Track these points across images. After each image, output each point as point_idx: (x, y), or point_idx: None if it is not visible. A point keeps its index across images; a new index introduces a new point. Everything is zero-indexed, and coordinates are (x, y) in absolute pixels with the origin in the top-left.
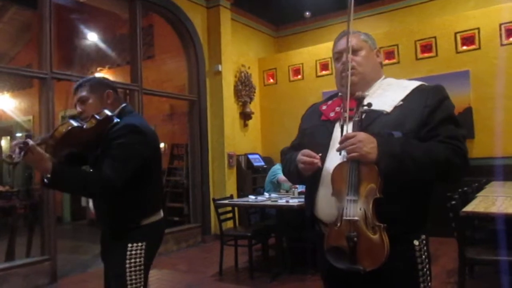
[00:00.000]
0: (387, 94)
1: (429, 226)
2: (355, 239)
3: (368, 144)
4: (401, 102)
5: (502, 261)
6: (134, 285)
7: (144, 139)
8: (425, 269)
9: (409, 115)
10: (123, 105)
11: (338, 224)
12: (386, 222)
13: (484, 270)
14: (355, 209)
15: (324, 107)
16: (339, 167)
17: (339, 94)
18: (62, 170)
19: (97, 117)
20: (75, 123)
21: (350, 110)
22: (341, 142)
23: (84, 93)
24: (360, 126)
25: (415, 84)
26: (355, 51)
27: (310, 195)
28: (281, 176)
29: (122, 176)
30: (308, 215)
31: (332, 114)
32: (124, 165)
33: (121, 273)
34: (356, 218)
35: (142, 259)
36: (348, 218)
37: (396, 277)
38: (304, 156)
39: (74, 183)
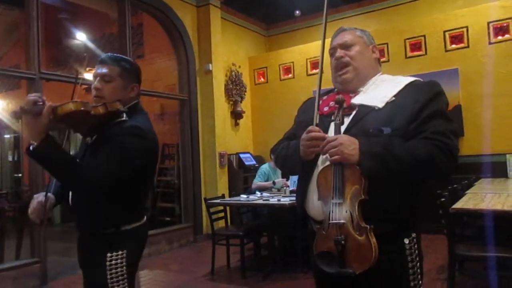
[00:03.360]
0: (380, 89)
1: (420, 224)
2: (343, 242)
3: (349, 146)
4: (393, 98)
5: (490, 257)
6: None
7: (144, 146)
8: (415, 267)
9: (400, 111)
10: (136, 101)
11: (326, 228)
12: (374, 221)
13: (473, 266)
14: (341, 212)
15: (319, 102)
16: (323, 171)
17: (335, 89)
18: (55, 145)
19: (109, 108)
20: (83, 107)
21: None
22: (323, 147)
23: (111, 72)
24: (340, 129)
25: (409, 80)
26: (349, 46)
27: (302, 191)
28: (254, 183)
29: (109, 181)
30: (299, 212)
31: (326, 109)
32: (115, 168)
33: (101, 283)
34: (342, 221)
35: (124, 268)
36: (334, 221)
37: (386, 275)
38: (314, 131)
39: (59, 164)
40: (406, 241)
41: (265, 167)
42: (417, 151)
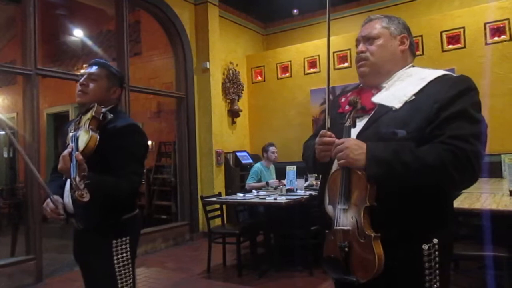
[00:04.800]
0: (402, 86)
1: (449, 230)
2: (346, 249)
3: (355, 150)
4: (413, 97)
5: (486, 257)
6: (124, 281)
7: (143, 141)
8: (433, 275)
9: (418, 112)
10: (115, 104)
11: (333, 233)
12: (385, 226)
13: (468, 265)
14: (347, 218)
15: (342, 99)
16: (333, 175)
17: (360, 85)
18: (96, 181)
19: (97, 117)
20: (97, 136)
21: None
22: (332, 150)
23: (100, 73)
24: (350, 132)
25: (436, 74)
26: (371, 39)
27: (321, 192)
28: (248, 185)
29: (140, 182)
30: (320, 213)
31: (347, 107)
32: (139, 166)
33: (109, 271)
34: (347, 227)
35: (128, 253)
36: (339, 227)
37: (399, 281)
38: (325, 136)
39: (107, 193)
40: (425, 247)
41: (257, 166)
42: (427, 156)
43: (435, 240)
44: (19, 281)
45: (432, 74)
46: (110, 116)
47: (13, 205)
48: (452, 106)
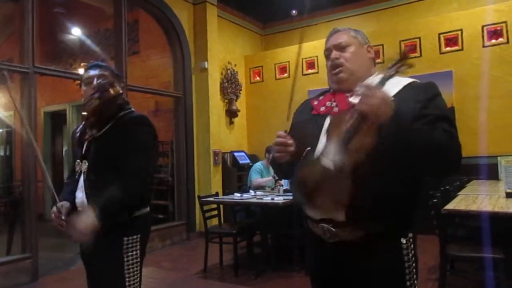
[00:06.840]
0: None
1: (415, 225)
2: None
3: (387, 105)
4: (393, 98)
5: (482, 258)
6: (132, 279)
7: (154, 134)
8: (411, 267)
9: (403, 110)
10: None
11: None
12: (374, 220)
13: (464, 266)
14: (334, 158)
15: (315, 102)
16: (339, 116)
17: (331, 90)
18: (104, 212)
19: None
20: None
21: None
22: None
23: (104, 72)
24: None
25: (407, 80)
26: (343, 48)
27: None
28: (255, 181)
29: (147, 178)
30: (296, 210)
31: (322, 109)
32: (148, 161)
33: (118, 269)
34: (331, 167)
35: (138, 252)
36: (323, 163)
37: (383, 275)
38: (280, 137)
39: (113, 210)
40: (403, 240)
41: (258, 165)
42: (432, 134)
43: (410, 234)
44: (15, 279)
45: (404, 80)
46: (131, 108)
47: (9, 204)
48: (434, 107)
